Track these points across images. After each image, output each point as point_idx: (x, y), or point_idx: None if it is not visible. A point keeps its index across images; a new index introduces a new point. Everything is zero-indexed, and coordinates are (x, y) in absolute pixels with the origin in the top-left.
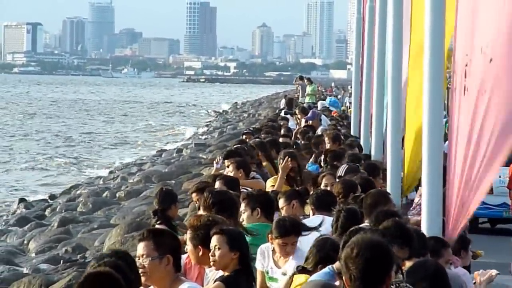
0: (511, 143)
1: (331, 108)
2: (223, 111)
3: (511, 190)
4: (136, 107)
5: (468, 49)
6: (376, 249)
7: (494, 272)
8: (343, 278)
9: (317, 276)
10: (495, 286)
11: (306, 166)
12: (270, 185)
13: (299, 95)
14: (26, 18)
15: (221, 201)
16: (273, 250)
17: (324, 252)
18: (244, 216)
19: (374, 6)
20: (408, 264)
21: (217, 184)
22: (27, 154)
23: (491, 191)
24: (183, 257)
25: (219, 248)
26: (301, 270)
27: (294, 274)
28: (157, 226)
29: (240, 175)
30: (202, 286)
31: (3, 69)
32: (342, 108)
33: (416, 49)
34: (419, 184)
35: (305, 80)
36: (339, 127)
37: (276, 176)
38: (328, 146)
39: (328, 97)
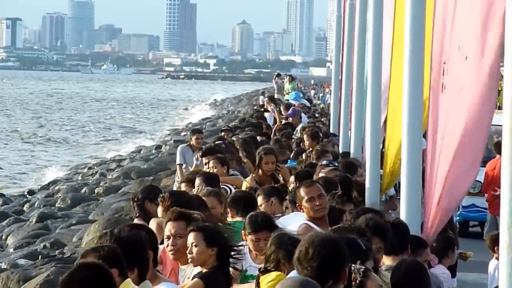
0: (483, 142)
1: (293, 102)
2: (202, 108)
3: (486, 194)
4: (114, 102)
5: (446, 47)
6: (328, 247)
7: None
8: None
9: (296, 272)
10: (474, 284)
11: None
12: (245, 186)
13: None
14: (6, 13)
15: (180, 204)
16: (250, 249)
17: (283, 247)
18: (229, 216)
19: (354, 4)
20: (387, 261)
21: (197, 181)
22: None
23: (482, 194)
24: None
25: (196, 246)
26: (264, 270)
27: (258, 276)
28: (136, 220)
29: (224, 171)
30: (176, 280)
31: None
32: (322, 106)
33: (398, 47)
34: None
35: (286, 78)
36: (320, 125)
37: (252, 175)
38: (307, 143)
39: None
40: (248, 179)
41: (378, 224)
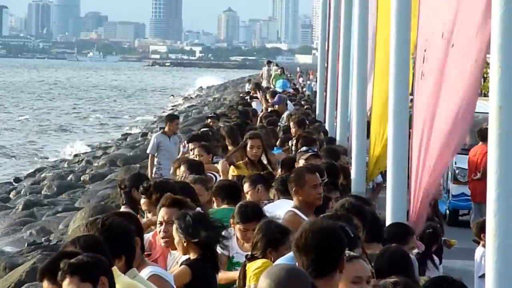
0: (466, 127)
1: (279, 90)
2: (188, 95)
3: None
4: (102, 91)
5: (428, 35)
6: (328, 235)
7: None
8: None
9: (283, 259)
10: (461, 271)
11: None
12: (232, 173)
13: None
14: None
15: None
16: (237, 236)
17: (270, 235)
18: (214, 204)
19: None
20: (369, 249)
21: (182, 168)
22: None
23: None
24: (146, 236)
25: (175, 236)
26: (250, 258)
27: (244, 263)
28: (122, 208)
29: (209, 159)
30: (165, 264)
31: None
32: (307, 93)
33: (382, 35)
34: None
35: (275, 67)
36: (308, 111)
37: (239, 163)
38: (293, 131)
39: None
40: (222, 160)
41: (355, 205)
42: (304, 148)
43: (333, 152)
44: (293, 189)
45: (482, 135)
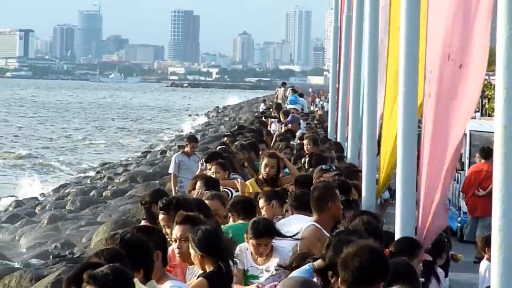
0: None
1: (290, 106)
2: (205, 114)
3: (466, 195)
4: (125, 110)
5: (433, 56)
6: (373, 256)
7: None
8: (339, 277)
9: (297, 272)
10: (466, 283)
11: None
12: (248, 191)
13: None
14: (19, 25)
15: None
16: (251, 251)
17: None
18: (230, 220)
19: (351, 16)
20: None
21: (198, 184)
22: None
23: None
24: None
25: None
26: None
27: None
28: (143, 222)
29: (226, 176)
30: (183, 278)
31: None
32: (320, 112)
33: (393, 59)
34: (390, 185)
35: (287, 88)
36: (319, 130)
37: (254, 178)
38: (308, 148)
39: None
40: (251, 180)
41: (374, 226)
42: (324, 167)
43: (354, 171)
44: (328, 204)
45: (483, 153)
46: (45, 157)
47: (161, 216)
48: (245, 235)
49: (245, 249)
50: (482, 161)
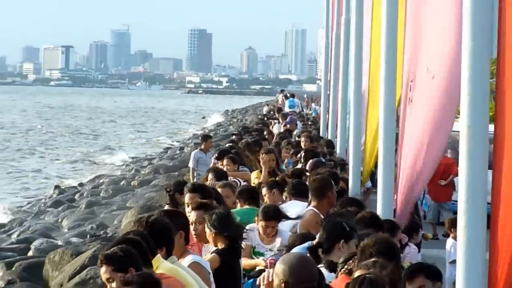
0: (444, 145)
1: (287, 109)
2: (216, 116)
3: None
4: (149, 113)
5: (413, 66)
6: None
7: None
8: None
9: (297, 249)
10: (436, 258)
11: (286, 161)
12: (254, 177)
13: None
14: (61, 42)
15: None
16: (259, 231)
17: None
18: (238, 205)
19: (339, 33)
20: None
21: (210, 176)
22: (63, 150)
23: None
24: None
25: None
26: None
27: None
28: (166, 207)
29: (235, 168)
30: (200, 254)
31: (42, 82)
32: (313, 115)
33: (375, 69)
34: (373, 174)
35: (285, 94)
36: (312, 130)
37: (259, 170)
38: (306, 144)
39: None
40: (256, 171)
41: (388, 245)
42: (318, 160)
43: (343, 164)
44: (326, 193)
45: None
46: (91, 154)
47: (188, 196)
48: (255, 218)
49: (254, 229)
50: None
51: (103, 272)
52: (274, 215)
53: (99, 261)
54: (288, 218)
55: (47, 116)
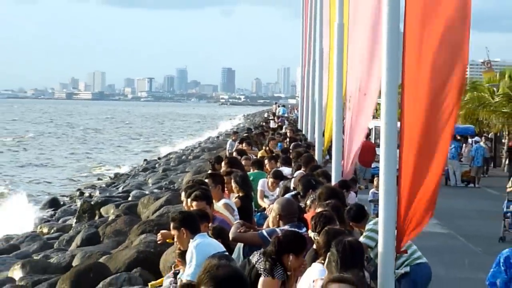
0: (364, 133)
1: (281, 114)
2: (238, 119)
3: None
4: (198, 117)
5: (351, 86)
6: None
7: None
8: None
9: (287, 195)
10: (363, 200)
11: (277, 144)
12: (260, 153)
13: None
14: (147, 75)
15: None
16: (268, 183)
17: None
18: (251, 170)
19: (309, 70)
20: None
21: (223, 162)
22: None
23: None
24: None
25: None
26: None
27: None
28: (209, 171)
29: (250, 148)
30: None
31: (136, 100)
32: (294, 117)
33: (330, 89)
34: (329, 150)
35: (278, 105)
36: (293, 126)
37: (263, 149)
38: (289, 134)
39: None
40: (261, 151)
41: (334, 192)
42: (295, 143)
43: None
44: (309, 164)
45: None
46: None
47: (225, 163)
48: (267, 176)
49: (265, 182)
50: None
51: (195, 205)
52: (276, 176)
53: (193, 196)
54: (285, 178)
55: (134, 117)
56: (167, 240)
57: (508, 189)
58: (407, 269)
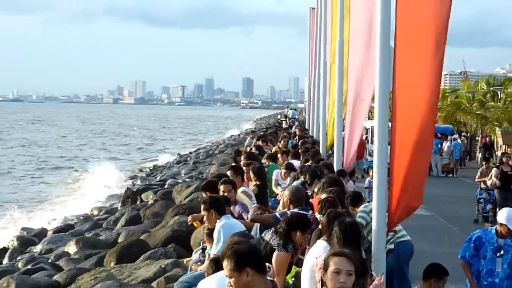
0: (361, 132)
1: (291, 115)
2: (256, 120)
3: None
4: (223, 118)
5: (351, 91)
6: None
7: None
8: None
9: (295, 183)
10: (359, 189)
11: (288, 141)
12: (274, 149)
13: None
14: (180, 84)
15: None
16: (281, 174)
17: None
18: (266, 162)
19: (316, 81)
20: None
21: (243, 156)
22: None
23: None
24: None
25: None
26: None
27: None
28: (232, 164)
29: (266, 144)
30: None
31: (171, 104)
32: (302, 119)
33: (332, 94)
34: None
35: (289, 108)
36: (302, 126)
37: (277, 146)
38: (298, 133)
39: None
40: (275, 146)
41: (335, 180)
42: (303, 140)
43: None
44: (315, 157)
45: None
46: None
47: (244, 157)
48: (280, 167)
49: (278, 172)
50: None
51: (223, 187)
52: (289, 168)
53: (204, 188)
54: (294, 169)
55: (169, 119)
56: (195, 224)
57: (477, 180)
58: (392, 246)
